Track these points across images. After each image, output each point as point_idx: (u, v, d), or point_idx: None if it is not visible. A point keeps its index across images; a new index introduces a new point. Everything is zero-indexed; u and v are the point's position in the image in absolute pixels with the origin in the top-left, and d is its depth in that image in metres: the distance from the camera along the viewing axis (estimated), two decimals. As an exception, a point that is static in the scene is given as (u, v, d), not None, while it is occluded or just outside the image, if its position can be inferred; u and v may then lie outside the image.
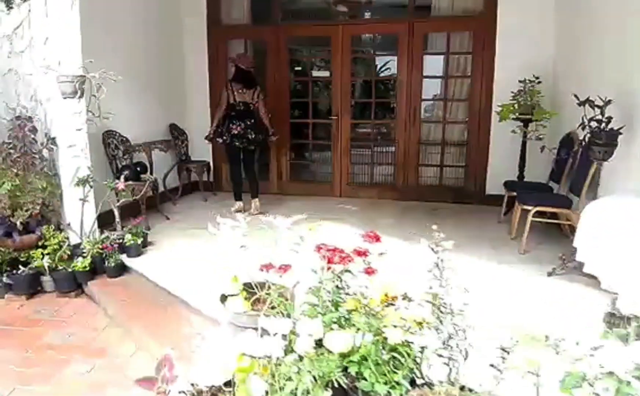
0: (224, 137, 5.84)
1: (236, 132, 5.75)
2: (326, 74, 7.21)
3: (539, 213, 4.54)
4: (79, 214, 4.47)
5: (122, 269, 4.32)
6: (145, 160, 5.83)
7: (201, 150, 7.17)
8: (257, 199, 5.98)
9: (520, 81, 5.72)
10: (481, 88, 6.36)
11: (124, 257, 4.40)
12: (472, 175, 6.59)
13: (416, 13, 6.59)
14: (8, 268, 4.04)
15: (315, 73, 7.60)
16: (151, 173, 5.71)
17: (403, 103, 6.67)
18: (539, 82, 5.67)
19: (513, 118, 5.79)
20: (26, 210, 4.10)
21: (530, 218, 4.51)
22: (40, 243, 4.18)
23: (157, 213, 5.80)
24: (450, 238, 4.93)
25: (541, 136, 5.41)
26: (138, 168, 5.41)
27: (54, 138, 4.37)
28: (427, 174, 6.91)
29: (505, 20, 6.10)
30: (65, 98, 4.20)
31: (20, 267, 4.03)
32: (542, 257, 4.41)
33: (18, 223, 4.06)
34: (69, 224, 4.44)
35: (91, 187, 4.49)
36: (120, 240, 4.47)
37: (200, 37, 7.07)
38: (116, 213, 4.70)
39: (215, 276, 2.03)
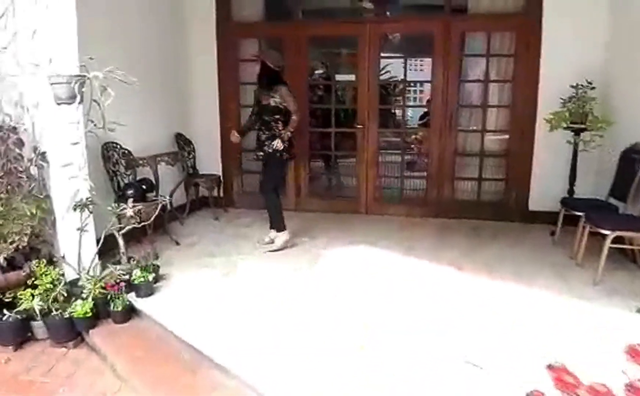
0: (291, 152, 4.89)
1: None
2: (351, 77, 6.47)
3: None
4: (75, 245, 3.69)
5: (131, 311, 3.56)
6: (150, 176, 5.02)
7: (209, 163, 6.43)
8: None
9: (572, 86, 5.13)
10: (524, 93, 5.71)
11: (131, 296, 3.64)
12: (513, 189, 5.93)
13: (452, 14, 5.91)
14: (-10, 313, 3.27)
15: (338, 77, 6.83)
16: (158, 191, 4.90)
17: (438, 109, 5.99)
18: (593, 88, 5.07)
19: (564, 128, 5.20)
20: (11, 242, 3.35)
21: (608, 244, 3.90)
22: (29, 282, 3.41)
23: (164, 236, 5.04)
24: (507, 265, 4.20)
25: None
26: (143, 186, 4.63)
27: (44, 153, 3.59)
28: (463, 188, 6.22)
29: (552, 19, 5.47)
30: (59, 104, 3.41)
31: (4, 310, 3.28)
32: (618, 288, 3.84)
33: (1, 258, 3.31)
34: (63, 257, 3.67)
35: (91, 212, 3.73)
36: (127, 276, 3.71)
37: (209, 34, 6.30)
38: (121, 242, 3.94)
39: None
